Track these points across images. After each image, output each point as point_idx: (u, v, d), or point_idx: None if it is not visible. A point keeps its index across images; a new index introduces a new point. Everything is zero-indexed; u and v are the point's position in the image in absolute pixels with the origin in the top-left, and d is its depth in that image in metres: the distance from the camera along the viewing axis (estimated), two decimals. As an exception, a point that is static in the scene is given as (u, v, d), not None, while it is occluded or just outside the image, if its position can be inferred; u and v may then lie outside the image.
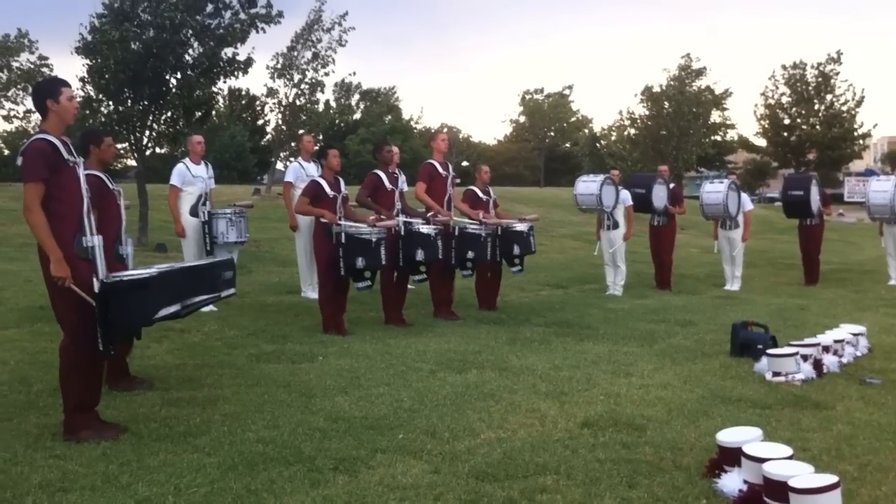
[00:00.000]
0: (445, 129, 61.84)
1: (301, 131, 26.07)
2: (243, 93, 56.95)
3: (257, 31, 17.21)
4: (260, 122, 60.28)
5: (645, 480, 4.44)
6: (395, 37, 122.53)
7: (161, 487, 4.25)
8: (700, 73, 41.53)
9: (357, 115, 65.90)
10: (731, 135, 57.70)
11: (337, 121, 60.89)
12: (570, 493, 4.25)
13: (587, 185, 12.66)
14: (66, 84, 5.23)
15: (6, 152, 50.25)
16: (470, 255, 9.97)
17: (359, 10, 52.68)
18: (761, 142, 54.27)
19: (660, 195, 13.43)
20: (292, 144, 33.26)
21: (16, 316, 9.00)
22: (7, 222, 17.93)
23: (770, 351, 7.15)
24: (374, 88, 67.55)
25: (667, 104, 39.86)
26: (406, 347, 8.03)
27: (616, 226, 12.89)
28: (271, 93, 30.14)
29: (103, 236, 5.20)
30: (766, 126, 51.42)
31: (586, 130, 67.30)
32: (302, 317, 9.61)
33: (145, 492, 4.19)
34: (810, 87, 50.10)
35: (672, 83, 40.36)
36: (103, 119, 16.52)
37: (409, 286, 9.97)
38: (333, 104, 61.48)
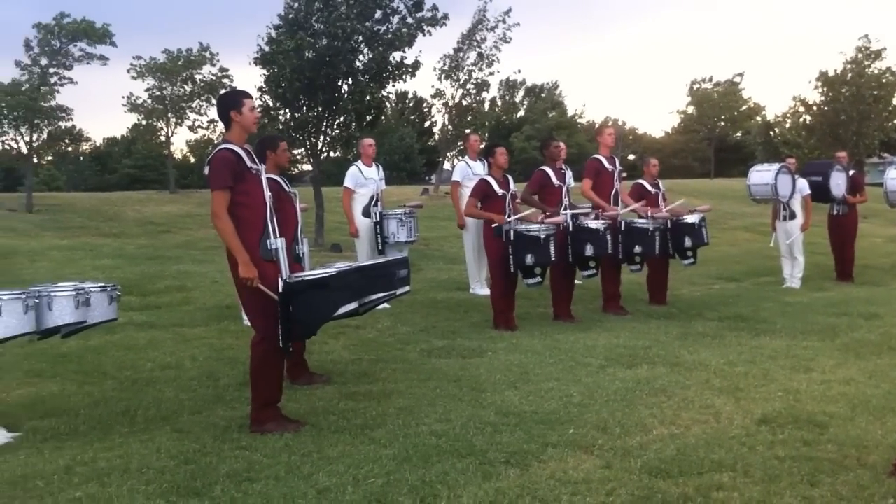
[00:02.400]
0: (611, 123, 61.01)
1: (467, 131, 26.34)
2: (411, 95, 58.14)
3: (424, 35, 17.54)
4: (427, 123, 61.38)
5: (827, 479, 4.28)
6: (556, 31, 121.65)
7: (340, 478, 4.42)
8: (879, 54, 39.21)
9: (521, 112, 65.95)
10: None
11: (502, 118, 61.13)
12: (747, 490, 4.15)
13: (761, 174, 12.23)
14: (247, 95, 5.50)
15: (192, 161, 53.23)
16: (637, 249, 9.84)
17: (520, 4, 52.69)
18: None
19: (838, 183, 12.83)
20: (459, 144, 33.63)
21: (204, 315, 9.56)
22: (194, 227, 19.04)
23: (965, 345, 6.72)
24: (537, 84, 67.47)
25: (844, 88, 37.86)
26: (574, 343, 8.02)
27: (793, 216, 12.40)
28: (438, 94, 30.58)
29: (283, 237, 5.45)
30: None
31: (758, 118, 64.81)
32: (471, 313, 9.75)
33: (325, 482, 4.37)
34: None
35: (850, 66, 38.29)
36: (280, 126, 17.27)
37: (576, 282, 9.93)
38: (499, 102, 61.78)
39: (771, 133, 56.72)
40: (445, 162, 36.47)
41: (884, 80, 38.89)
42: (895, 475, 4.24)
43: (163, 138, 31.35)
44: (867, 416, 5.42)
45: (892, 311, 9.73)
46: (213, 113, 28.10)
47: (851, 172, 13.45)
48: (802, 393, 6.04)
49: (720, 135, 63.22)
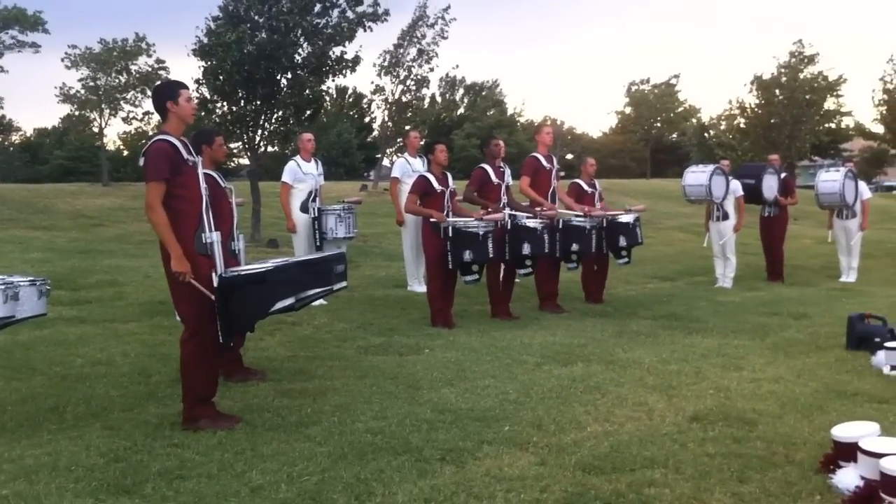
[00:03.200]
0: (549, 122, 61.46)
1: (407, 127, 26.30)
2: (351, 91, 57.83)
3: (364, 30, 17.46)
4: (367, 119, 61.11)
5: (756, 475, 4.36)
6: (497, 30, 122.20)
7: (274, 475, 4.38)
8: (812, 59, 40.12)
9: (462, 110, 66.08)
10: (847, 122, 55.62)
11: (442, 116, 61.18)
12: (678, 486, 4.21)
13: (696, 175, 12.43)
14: (184, 86, 5.42)
15: (125, 153, 52.26)
16: (574, 247, 9.93)
17: (460, 2, 52.78)
18: (879, 128, 52.04)
19: (770, 185, 13.12)
20: (398, 141, 33.62)
21: (136, 310, 9.39)
22: (127, 220, 18.68)
23: (888, 344, 6.90)
24: (477, 83, 67.64)
25: (778, 92, 38.67)
26: (512, 340, 8.06)
27: (726, 217, 12.63)
28: (378, 90, 30.52)
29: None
30: (885, 112, 49.26)
31: (694, 120, 65.84)
32: (409, 310, 9.74)
33: (259, 479, 4.33)
34: (932, 71, 47.78)
35: (783, 70, 39.12)
36: (217, 119, 17.04)
37: (515, 280, 9.98)
38: (439, 99, 61.82)
39: (706, 135, 57.67)
40: (385, 158, 36.41)
41: (816, 85, 39.80)
42: (822, 472, 4.34)
43: (96, 130, 30.72)
44: (795, 413, 5.54)
45: (821, 311, 9.97)
46: (148, 104, 27.71)
47: (783, 175, 13.74)
48: (733, 391, 6.15)
49: (656, 136, 64.11)
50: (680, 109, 66.00)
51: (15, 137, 54.05)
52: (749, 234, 15.28)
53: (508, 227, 9.27)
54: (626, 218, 10.63)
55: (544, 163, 10.01)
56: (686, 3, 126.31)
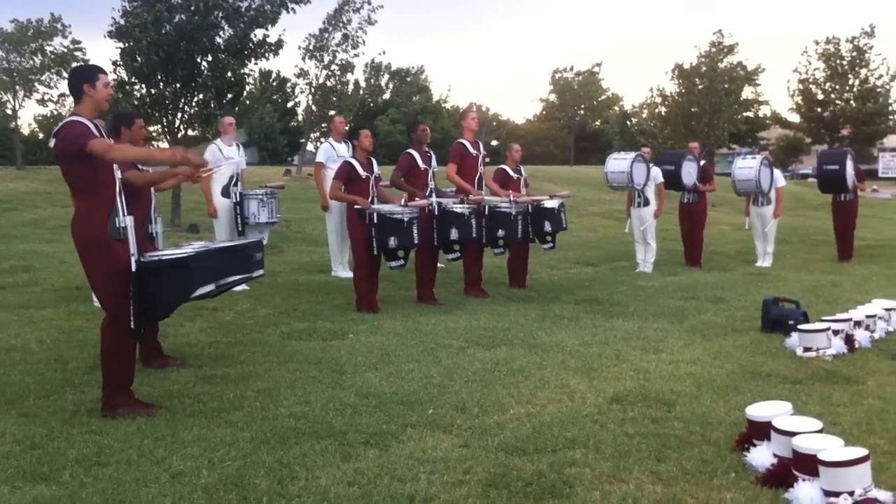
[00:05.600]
0: (475, 108, 61.63)
1: (332, 112, 26.08)
2: (274, 75, 57.15)
3: (287, 11, 17.25)
4: (290, 103, 60.49)
5: (674, 454, 4.46)
6: (422, 16, 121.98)
7: (195, 461, 4.32)
8: (731, 49, 41.02)
9: (387, 96, 65.88)
10: (764, 111, 57.09)
11: (367, 101, 60.89)
12: (598, 466, 4.28)
13: (618, 162, 12.61)
14: (103, 71, 5.29)
15: (41, 136, 50.77)
16: (501, 233, 9.99)
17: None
18: (795, 118, 53.51)
19: (690, 172, 13.36)
20: (323, 126, 33.34)
21: (52, 296, 9.16)
22: (42, 204, 18.18)
23: (801, 326, 7.12)
24: (403, 68, 67.48)
25: (698, 81, 39.44)
26: (436, 325, 8.09)
27: (647, 203, 12.85)
28: (302, 74, 30.20)
29: (134, 216, 5.26)
30: (800, 102, 50.62)
31: (616, 108, 66.80)
32: (333, 295, 9.69)
33: (179, 465, 4.27)
34: (844, 62, 49.20)
35: (703, 59, 39.91)
36: (136, 102, 16.66)
37: (439, 265, 10.00)
38: (363, 85, 61.50)
39: (628, 123, 58.60)
40: (308, 143, 36.10)
41: (734, 75, 40.72)
42: (737, 450, 4.45)
43: (9, 111, 29.75)
44: (712, 394, 5.67)
45: (737, 296, 10.21)
46: (63, 86, 26.93)
47: (702, 162, 14.01)
48: (652, 372, 6.27)
49: (580, 123, 64.83)
50: (603, 97, 66.93)
51: (-78, 119, 52.09)
52: (669, 220, 15.57)
53: (436, 212, 9.28)
54: (551, 203, 10.73)
55: (470, 149, 10.04)
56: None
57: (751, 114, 54.03)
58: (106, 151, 4.97)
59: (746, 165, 13.47)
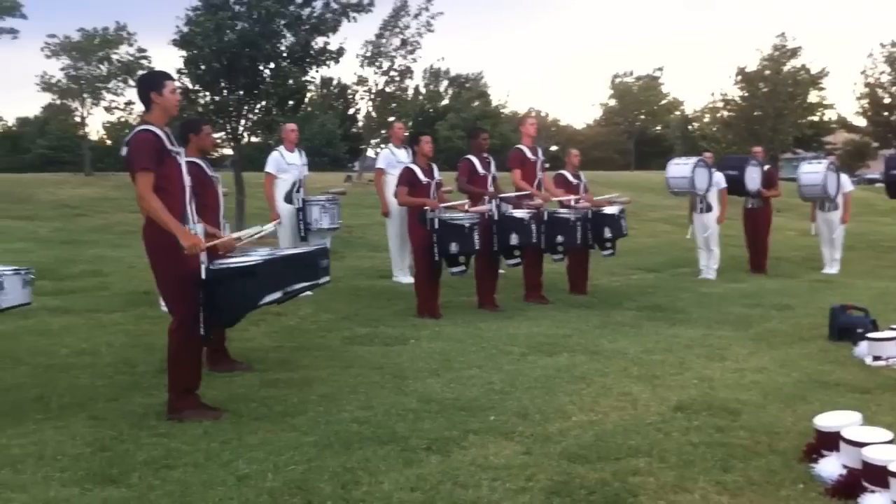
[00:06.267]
0: (533, 113, 61.52)
1: (391, 118, 26.26)
2: (335, 82, 57.62)
3: (348, 20, 17.41)
4: (351, 110, 60.93)
5: (740, 464, 4.40)
6: (481, 21, 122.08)
7: (260, 465, 4.38)
8: (795, 52, 40.38)
9: (446, 102, 65.99)
10: (829, 115, 55.94)
11: (426, 107, 61.10)
12: (663, 475, 4.24)
13: (679, 167, 12.46)
14: (169, 77, 5.39)
15: (108, 143, 51.92)
16: (559, 239, 9.95)
17: (445, -6, 52.40)
18: (861, 122, 52.41)
19: (753, 177, 13.16)
20: (382, 132, 33.54)
21: (120, 300, 9.36)
22: (111, 210, 18.61)
23: (870, 335, 6.97)
24: (462, 74, 67.54)
25: (762, 85, 38.88)
26: (497, 331, 8.08)
27: (709, 209, 12.68)
28: (361, 81, 30.46)
29: (204, 223, 5.36)
30: (866, 106, 49.58)
31: (678, 113, 66.14)
32: (394, 301, 9.75)
33: (245, 469, 4.33)
34: (911, 65, 48.04)
35: (766, 63, 39.33)
36: (200, 109, 16.95)
37: (500, 271, 9.99)
38: (423, 91, 61.70)
39: (689, 127, 57.99)
40: (369, 149, 36.37)
41: (798, 78, 40.05)
42: (805, 461, 4.38)
43: (78, 119, 30.50)
44: (778, 403, 5.58)
45: (803, 303, 10.03)
46: (130, 94, 27.56)
47: (766, 167, 13.80)
48: (716, 381, 6.19)
49: (640, 128, 64.37)
50: (664, 102, 66.31)
51: (-4, 127, 53.61)
52: (732, 226, 15.33)
53: (496, 217, 9.28)
54: (611, 210, 10.67)
55: (529, 154, 10.02)
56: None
57: (816, 118, 52.97)
58: (142, 194, 5.06)
59: (812, 170, 13.23)
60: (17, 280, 5.38)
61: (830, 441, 4.32)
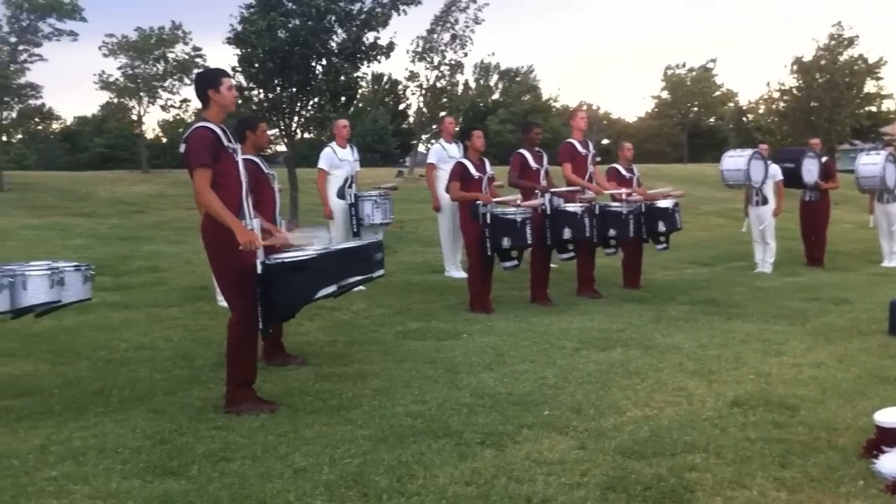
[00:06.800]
0: (584, 107, 61.10)
1: (442, 113, 26.27)
2: (386, 77, 57.81)
3: (398, 13, 17.44)
4: (401, 105, 61.11)
5: (798, 460, 4.34)
6: (530, 14, 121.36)
7: (317, 458, 4.43)
8: (851, 41, 39.53)
9: (496, 96, 65.82)
10: (887, 105, 54.72)
11: (477, 102, 61.04)
12: (720, 471, 4.20)
13: (734, 160, 12.32)
14: (226, 74, 5.47)
15: (164, 140, 52.70)
16: (612, 232, 9.90)
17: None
18: (920, 112, 51.27)
19: (811, 169, 12.96)
20: (433, 127, 33.64)
21: (177, 295, 9.51)
22: (167, 207, 18.89)
23: (933, 329, 6.83)
24: (512, 68, 67.30)
25: (818, 75, 38.17)
26: (550, 325, 8.06)
27: (765, 201, 12.51)
28: (412, 76, 30.53)
29: (260, 219, 5.42)
30: (925, 95, 48.51)
31: (731, 104, 65.15)
32: (446, 295, 9.77)
33: (302, 462, 4.38)
34: (975, 52, 46.86)
35: (822, 53, 38.59)
36: (254, 106, 17.14)
37: (552, 265, 9.96)
38: (473, 85, 61.63)
39: (744, 119, 57.13)
40: (420, 144, 36.45)
41: (856, 68, 39.23)
42: (865, 457, 4.30)
43: (135, 117, 31.00)
44: (837, 399, 5.50)
45: (862, 297, 9.86)
46: (185, 92, 27.90)
47: (824, 159, 13.58)
48: (774, 376, 6.12)
49: (693, 120, 63.47)
50: (717, 94, 65.30)
51: (55, 126, 54.56)
52: (788, 219, 15.11)
53: (548, 211, 9.26)
54: (664, 203, 10.58)
55: (580, 148, 9.97)
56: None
57: (874, 108, 51.88)
58: (199, 190, 5.14)
59: (871, 161, 12.99)
60: (78, 276, 5.49)
61: (891, 437, 4.25)
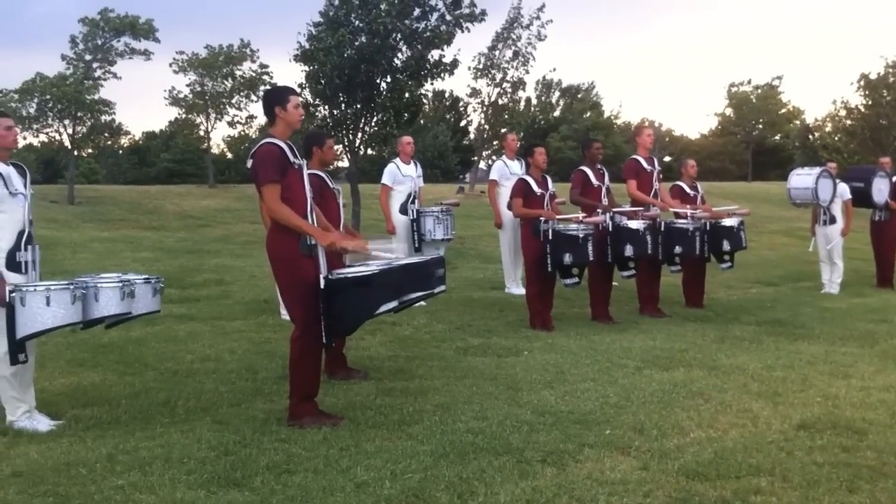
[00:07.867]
0: (648, 124, 60.64)
1: (504, 130, 26.28)
2: (448, 94, 58.11)
3: (462, 31, 17.52)
4: (463, 122, 61.31)
5: (867, 485, 4.25)
6: (592, 30, 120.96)
7: (378, 472, 4.45)
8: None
9: (557, 113, 65.71)
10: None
11: (538, 118, 61.00)
12: (785, 495, 4.13)
13: (802, 178, 12.10)
14: (294, 92, 5.56)
15: (229, 156, 53.58)
16: (678, 250, 9.80)
17: (555, 4, 51.91)
18: None
19: (881, 189, 12.68)
20: (494, 143, 33.65)
21: (242, 308, 9.65)
22: (232, 221, 19.20)
23: None
24: (573, 85, 67.17)
25: (885, 92, 37.37)
26: (611, 344, 8.01)
27: (833, 221, 12.27)
28: (474, 93, 30.62)
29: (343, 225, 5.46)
30: None
31: (797, 122, 64.14)
32: (507, 312, 9.76)
33: (363, 476, 4.41)
34: None
35: (890, 70, 37.77)
36: (319, 123, 17.34)
37: (613, 283, 9.89)
38: (534, 102, 61.62)
39: (810, 137, 56.16)
40: (481, 161, 36.50)
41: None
42: (936, 484, 4.20)
43: (202, 133, 31.59)
44: (908, 423, 5.37)
45: (933, 319, 9.61)
46: (251, 109, 28.30)
47: (894, 178, 13.28)
48: (841, 399, 5.99)
49: (758, 138, 62.57)
50: (783, 111, 64.32)
51: (124, 140, 55.90)
52: (857, 239, 14.81)
53: (610, 228, 9.21)
54: (730, 222, 10.45)
55: (645, 165, 9.91)
56: (788, 2, 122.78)
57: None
58: (270, 206, 5.23)
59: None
60: (147, 289, 5.60)
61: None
